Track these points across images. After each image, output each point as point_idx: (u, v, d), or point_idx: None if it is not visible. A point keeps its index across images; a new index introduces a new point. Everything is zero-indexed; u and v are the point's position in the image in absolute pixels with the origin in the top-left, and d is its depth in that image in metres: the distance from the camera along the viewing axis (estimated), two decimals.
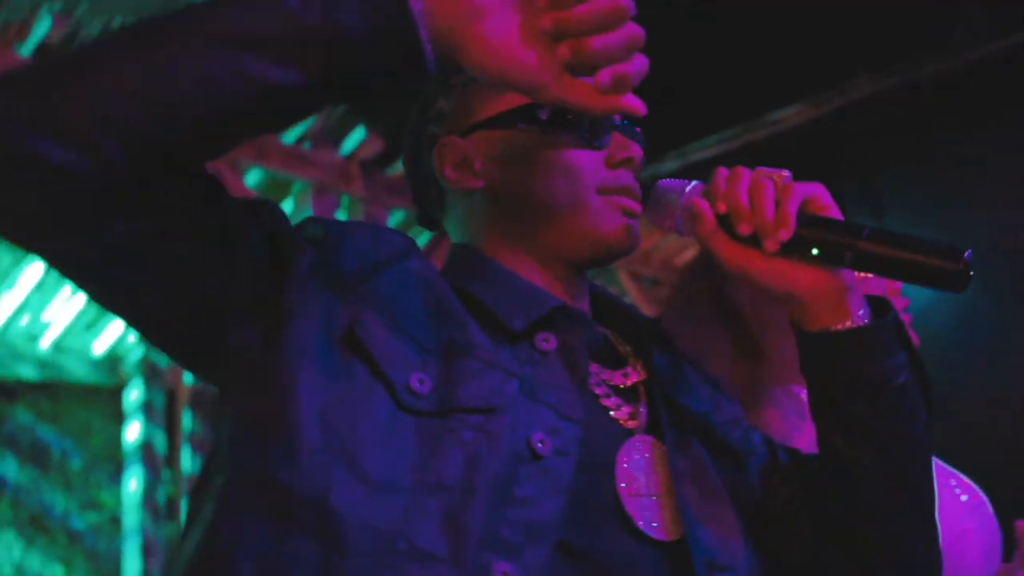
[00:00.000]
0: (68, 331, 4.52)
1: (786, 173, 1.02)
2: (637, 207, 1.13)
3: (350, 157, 4.06)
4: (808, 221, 1.00)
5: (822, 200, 1.02)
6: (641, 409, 1.10)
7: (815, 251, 0.99)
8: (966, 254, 0.93)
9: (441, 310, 1.01)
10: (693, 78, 4.54)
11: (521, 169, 1.12)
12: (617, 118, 1.12)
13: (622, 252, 1.13)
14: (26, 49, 3.16)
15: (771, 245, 0.98)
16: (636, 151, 1.13)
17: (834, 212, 1.02)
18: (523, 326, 1.05)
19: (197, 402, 4.80)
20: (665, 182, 1.09)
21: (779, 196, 1.00)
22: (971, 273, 0.94)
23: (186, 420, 4.74)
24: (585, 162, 1.11)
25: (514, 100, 1.10)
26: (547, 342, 1.05)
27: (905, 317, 1.86)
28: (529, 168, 1.12)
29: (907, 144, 4.80)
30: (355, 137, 4.03)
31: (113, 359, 4.74)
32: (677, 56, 4.43)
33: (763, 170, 1.03)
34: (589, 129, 1.10)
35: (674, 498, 1.02)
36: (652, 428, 1.08)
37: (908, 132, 4.75)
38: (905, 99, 4.53)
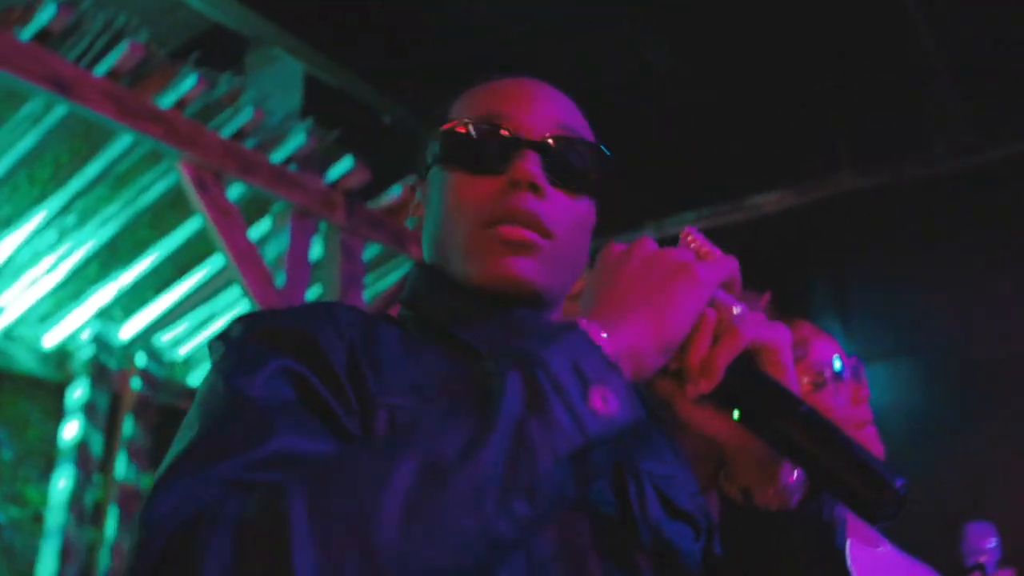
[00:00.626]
0: (21, 320, 4.43)
1: (738, 310, 0.87)
2: (527, 235, 1.01)
3: (335, 185, 4.05)
4: (743, 373, 0.86)
5: (777, 355, 0.87)
6: None
7: (736, 414, 0.86)
8: (897, 483, 0.78)
9: (434, 373, 0.96)
10: (681, 153, 4.62)
11: (433, 208, 1.08)
12: (534, 135, 1.04)
13: (510, 293, 1.02)
14: (26, 33, 3.12)
15: (689, 391, 0.86)
16: (525, 168, 1.01)
17: (786, 372, 0.87)
18: None
19: (141, 409, 4.71)
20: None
21: (718, 336, 0.86)
22: (897, 509, 0.78)
23: (127, 426, 4.66)
24: (474, 193, 1.03)
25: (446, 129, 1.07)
26: None
27: (869, 431, 1.85)
28: (435, 207, 1.07)
29: (880, 242, 4.89)
30: (343, 166, 4.02)
31: (62, 354, 4.65)
32: (668, 129, 4.51)
33: (715, 298, 0.88)
34: (487, 155, 1.04)
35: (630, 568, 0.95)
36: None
37: (883, 231, 4.85)
38: (884, 199, 4.62)
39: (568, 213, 1.04)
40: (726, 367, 0.84)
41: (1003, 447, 4.27)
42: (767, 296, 1.89)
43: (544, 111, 1.07)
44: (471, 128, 1.05)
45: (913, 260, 4.80)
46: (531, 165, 1.01)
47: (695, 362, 0.85)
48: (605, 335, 0.81)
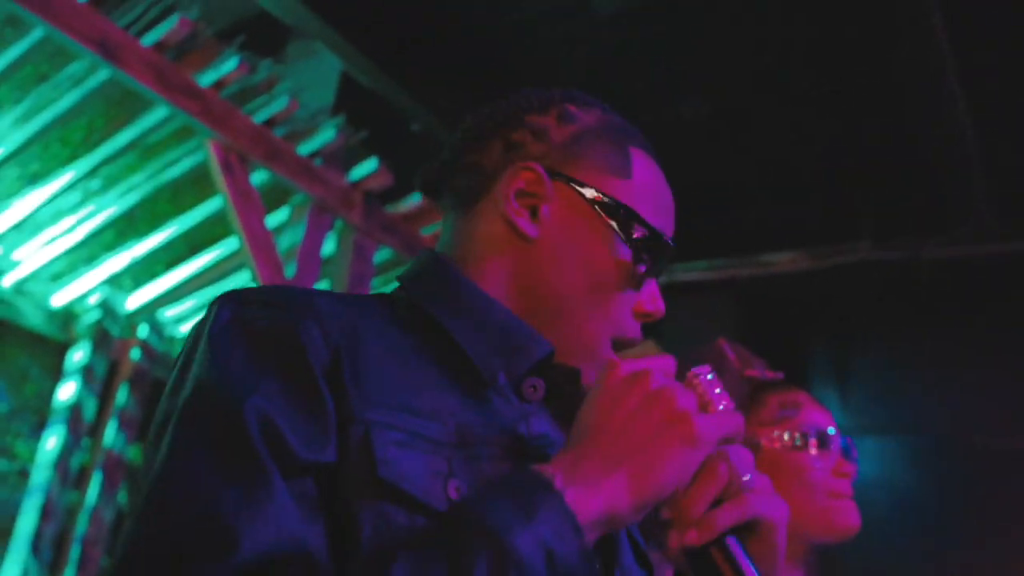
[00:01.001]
0: (33, 276, 4.48)
1: (748, 477, 0.85)
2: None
3: (356, 184, 4.10)
4: (737, 545, 0.84)
5: (773, 534, 0.87)
6: None
7: None
8: None
9: (423, 377, 0.94)
10: (699, 199, 4.63)
11: (572, 254, 1.03)
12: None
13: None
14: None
15: (672, 538, 0.87)
16: (662, 308, 1.07)
17: (777, 553, 0.87)
18: (507, 381, 0.98)
19: (137, 379, 4.75)
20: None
21: (725, 496, 0.86)
22: None
23: (121, 394, 4.69)
24: (620, 295, 1.04)
25: (630, 197, 1.05)
26: (535, 390, 0.99)
27: (847, 504, 1.86)
28: (579, 261, 1.03)
29: (890, 317, 4.87)
30: (366, 167, 4.07)
31: (68, 315, 4.69)
32: (689, 174, 4.53)
33: (727, 453, 0.87)
34: (648, 265, 1.04)
35: None
36: None
37: (894, 306, 4.82)
38: (900, 274, 4.61)
39: None
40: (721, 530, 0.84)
41: (982, 539, 4.24)
42: (780, 374, 1.90)
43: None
44: (660, 238, 1.05)
45: (921, 339, 4.77)
46: (659, 296, 1.08)
47: (690, 517, 0.84)
48: (583, 498, 0.80)
